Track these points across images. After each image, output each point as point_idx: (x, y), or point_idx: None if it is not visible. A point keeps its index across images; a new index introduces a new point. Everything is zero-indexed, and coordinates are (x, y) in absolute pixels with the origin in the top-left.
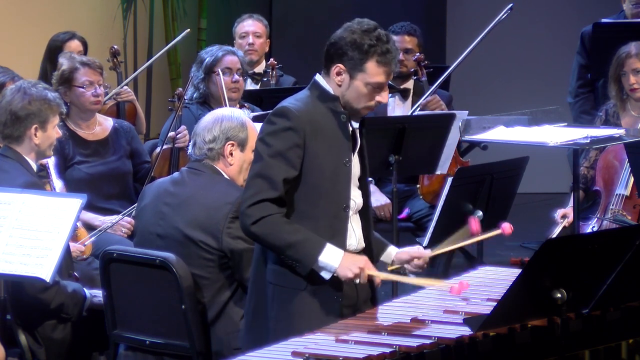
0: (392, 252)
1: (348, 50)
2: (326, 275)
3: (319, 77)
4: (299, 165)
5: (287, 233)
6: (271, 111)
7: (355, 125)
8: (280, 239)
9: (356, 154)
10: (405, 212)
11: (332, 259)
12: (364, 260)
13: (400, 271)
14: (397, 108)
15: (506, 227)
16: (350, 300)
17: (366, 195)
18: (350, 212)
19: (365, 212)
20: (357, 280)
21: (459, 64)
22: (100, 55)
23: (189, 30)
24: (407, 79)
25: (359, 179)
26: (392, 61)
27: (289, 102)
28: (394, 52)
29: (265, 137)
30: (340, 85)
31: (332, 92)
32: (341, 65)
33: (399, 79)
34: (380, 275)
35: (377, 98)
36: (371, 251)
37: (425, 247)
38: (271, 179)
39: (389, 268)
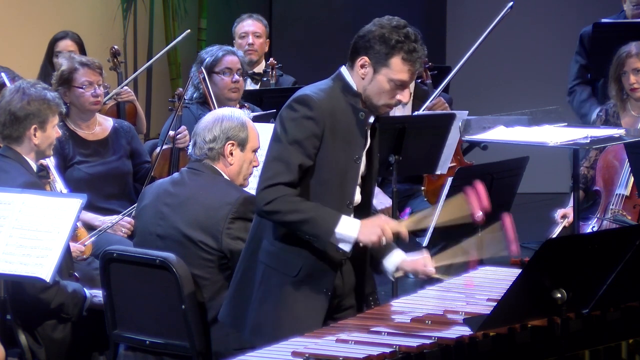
0: (396, 259)
1: (375, 43)
2: (346, 246)
3: (344, 70)
4: (314, 156)
5: (302, 210)
6: (293, 97)
7: (370, 123)
8: (296, 216)
9: (364, 152)
10: (406, 212)
11: (350, 230)
12: (381, 219)
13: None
14: (397, 111)
15: (507, 221)
16: (337, 291)
17: (367, 195)
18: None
19: (365, 211)
20: (383, 241)
21: (462, 66)
22: (100, 55)
23: (189, 30)
24: None
25: (363, 178)
26: (417, 60)
27: (311, 91)
28: (421, 52)
29: (285, 122)
30: (363, 79)
31: (355, 87)
32: (366, 58)
33: None
34: (403, 227)
35: (398, 96)
36: (365, 252)
37: (425, 247)
38: (288, 163)
39: (396, 275)
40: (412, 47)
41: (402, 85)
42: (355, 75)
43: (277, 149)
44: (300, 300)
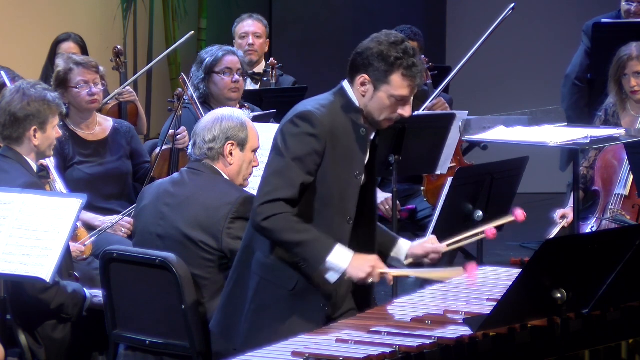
0: (403, 247)
1: (374, 61)
2: (333, 277)
3: (346, 84)
4: (315, 173)
5: (298, 231)
6: (295, 113)
7: (371, 139)
8: (290, 236)
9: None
10: (411, 208)
11: (341, 260)
12: (374, 258)
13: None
14: None
15: (519, 214)
16: (330, 299)
17: (370, 207)
18: None
19: (369, 223)
20: (370, 280)
21: (463, 66)
22: (100, 55)
23: (192, 32)
24: None
25: (363, 189)
26: (417, 75)
27: (312, 107)
28: (420, 66)
29: (287, 137)
30: (364, 96)
31: (357, 102)
32: (366, 76)
33: None
34: (392, 273)
35: (400, 111)
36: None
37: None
38: (289, 178)
39: (406, 263)
40: (411, 63)
41: (402, 101)
42: (356, 92)
43: (278, 163)
44: (297, 315)
